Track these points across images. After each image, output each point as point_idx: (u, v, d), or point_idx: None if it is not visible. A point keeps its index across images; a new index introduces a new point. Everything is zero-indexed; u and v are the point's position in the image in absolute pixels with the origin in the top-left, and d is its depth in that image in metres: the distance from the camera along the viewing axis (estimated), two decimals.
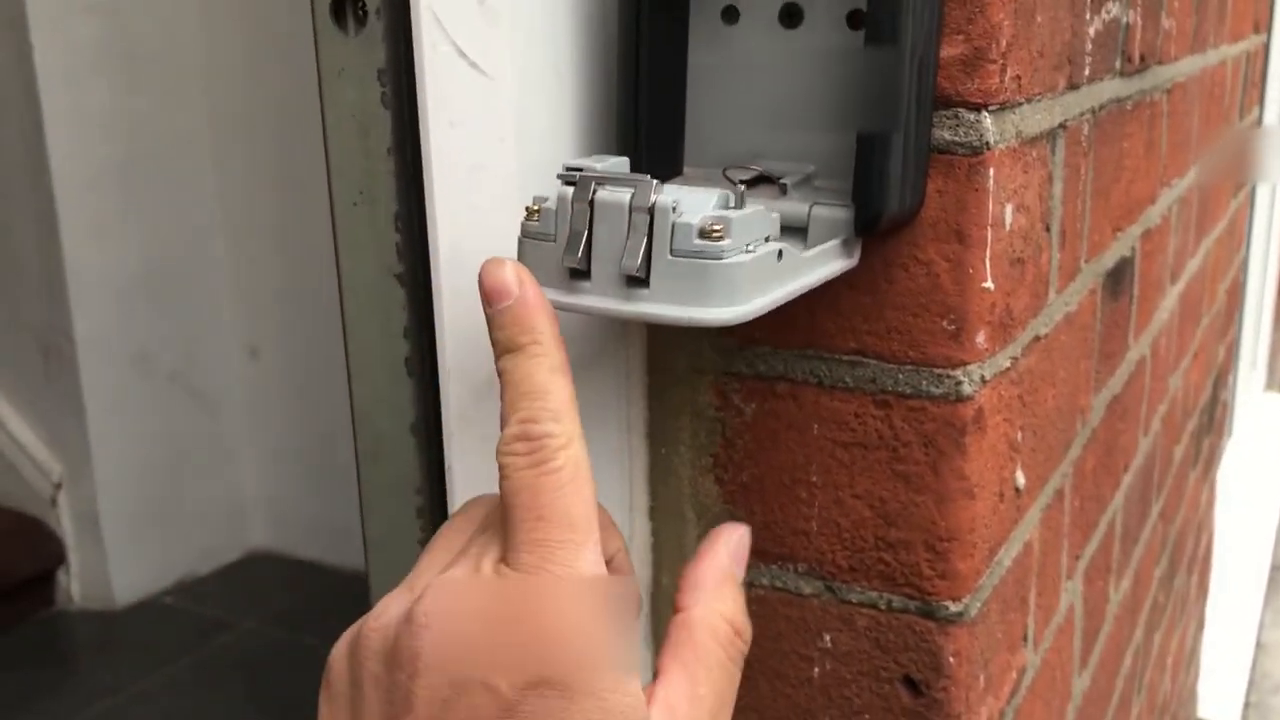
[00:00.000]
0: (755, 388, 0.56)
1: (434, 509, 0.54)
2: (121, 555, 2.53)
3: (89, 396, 2.43)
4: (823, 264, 0.47)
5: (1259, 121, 2.09)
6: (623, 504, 0.59)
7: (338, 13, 0.48)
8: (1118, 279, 0.81)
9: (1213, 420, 1.63)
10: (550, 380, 0.38)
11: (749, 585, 0.58)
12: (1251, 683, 2.41)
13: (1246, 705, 2.32)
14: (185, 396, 2.59)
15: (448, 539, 0.41)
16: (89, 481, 2.47)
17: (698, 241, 0.39)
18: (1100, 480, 0.83)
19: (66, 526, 2.53)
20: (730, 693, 0.41)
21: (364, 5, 0.47)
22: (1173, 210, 1.03)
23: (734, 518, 0.57)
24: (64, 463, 2.50)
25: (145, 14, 2.41)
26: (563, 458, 0.37)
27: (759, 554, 0.57)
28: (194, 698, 2.28)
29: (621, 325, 0.56)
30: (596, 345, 0.55)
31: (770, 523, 0.57)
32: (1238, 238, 1.69)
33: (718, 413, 0.57)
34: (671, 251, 0.39)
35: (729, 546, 0.44)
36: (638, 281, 0.39)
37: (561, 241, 0.40)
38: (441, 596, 0.36)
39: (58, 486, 2.50)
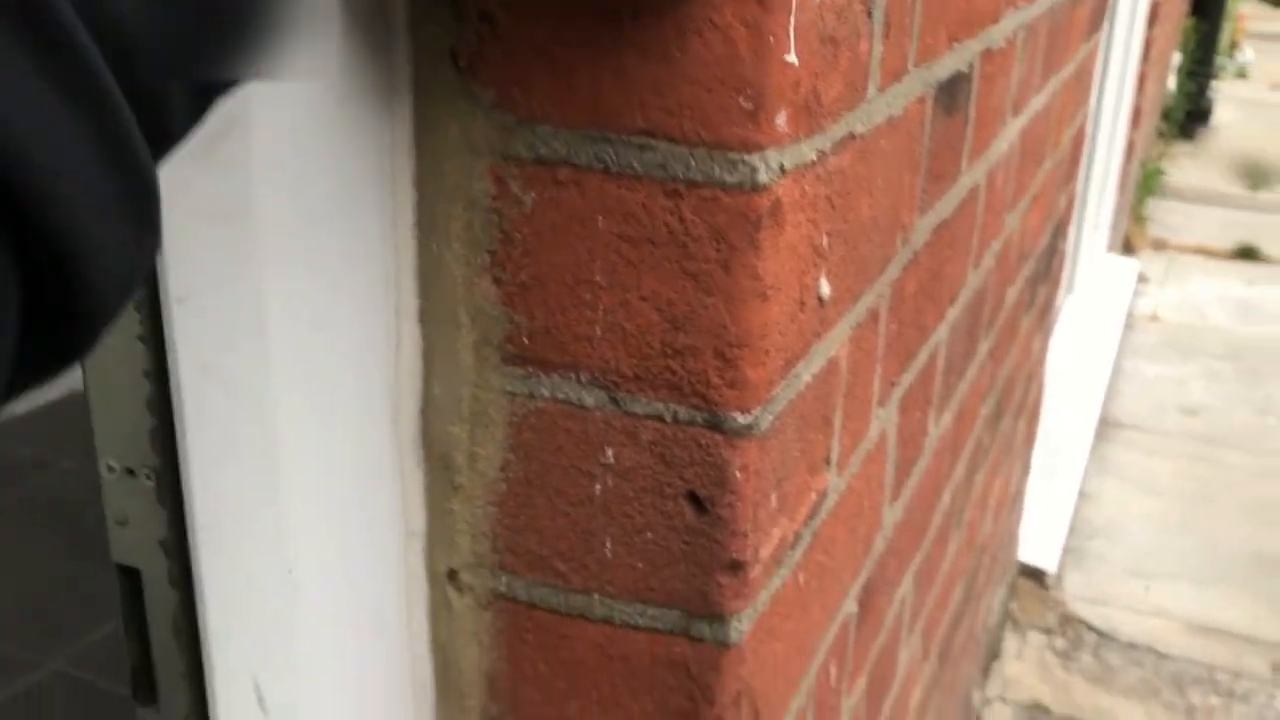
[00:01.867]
0: (536, 174, 0.49)
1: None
2: None
3: None
4: None
5: None
6: (388, 307, 0.53)
7: None
8: (952, 94, 0.76)
9: (1050, 269, 1.64)
10: None
11: (528, 396, 0.53)
12: (1072, 529, 2.52)
13: (1065, 550, 2.43)
14: None
15: None
16: None
17: None
18: (922, 307, 0.80)
19: None
20: None
21: None
22: (1018, 36, 0.99)
23: (513, 322, 0.52)
24: None
25: None
26: None
27: (539, 363, 0.52)
28: (10, 536, 2.20)
29: (386, 86, 0.49)
30: (353, 108, 0.48)
31: (552, 328, 0.51)
32: (1086, 84, 1.68)
33: (494, 202, 0.50)
34: None
35: None
36: None
37: None
38: None
39: None
